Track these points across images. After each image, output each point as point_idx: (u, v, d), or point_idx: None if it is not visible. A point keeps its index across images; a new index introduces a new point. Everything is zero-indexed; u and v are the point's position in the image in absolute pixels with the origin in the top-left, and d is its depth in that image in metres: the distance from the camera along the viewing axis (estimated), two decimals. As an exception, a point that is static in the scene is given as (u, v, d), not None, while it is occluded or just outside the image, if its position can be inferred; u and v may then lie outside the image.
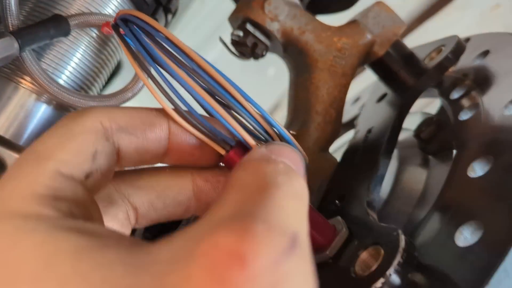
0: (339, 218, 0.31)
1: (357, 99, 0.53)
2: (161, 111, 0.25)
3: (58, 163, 0.19)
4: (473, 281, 0.23)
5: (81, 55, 0.38)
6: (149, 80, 0.25)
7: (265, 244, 0.14)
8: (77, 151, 0.20)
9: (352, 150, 0.39)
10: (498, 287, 0.22)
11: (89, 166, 0.20)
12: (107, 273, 0.14)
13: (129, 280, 0.14)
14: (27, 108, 0.36)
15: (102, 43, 0.39)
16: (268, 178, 0.17)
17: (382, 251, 0.26)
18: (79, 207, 0.18)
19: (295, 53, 0.40)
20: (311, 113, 0.39)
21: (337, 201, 0.35)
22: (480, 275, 0.22)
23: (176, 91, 0.25)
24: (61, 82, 0.37)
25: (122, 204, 0.24)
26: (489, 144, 0.29)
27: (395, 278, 0.25)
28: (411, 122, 0.43)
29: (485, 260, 0.23)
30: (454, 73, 0.39)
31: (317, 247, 0.29)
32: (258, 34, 0.39)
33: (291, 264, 0.14)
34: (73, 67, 0.37)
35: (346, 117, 0.50)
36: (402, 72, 0.40)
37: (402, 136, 0.42)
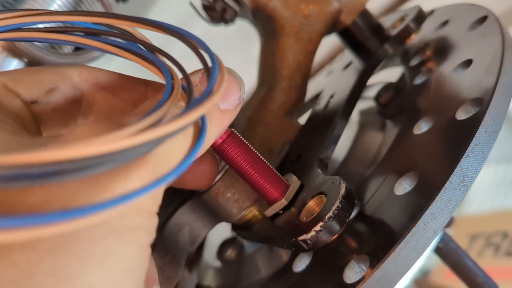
0: (291, 174, 0.32)
1: (330, 72, 0.54)
2: (141, 80, 0.27)
3: (7, 78, 0.22)
4: (403, 224, 0.24)
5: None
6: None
7: None
8: (34, 79, 0.23)
9: (314, 114, 0.40)
10: (426, 229, 0.24)
11: (39, 95, 0.23)
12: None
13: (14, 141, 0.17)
14: (-2, 63, 0.37)
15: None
16: None
17: (325, 199, 0.28)
18: (13, 117, 0.21)
19: (263, 19, 0.41)
20: (277, 77, 0.40)
21: (294, 160, 0.36)
22: (409, 218, 0.24)
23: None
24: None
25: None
26: (435, 103, 0.30)
27: (333, 223, 0.26)
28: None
29: (415, 205, 0.24)
30: (418, 43, 0.40)
31: (271, 199, 0.31)
32: (227, 0, 0.40)
33: None
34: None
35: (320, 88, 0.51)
36: (367, 41, 0.41)
37: (366, 104, 0.43)
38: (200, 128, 0.20)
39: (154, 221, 0.19)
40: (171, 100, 0.18)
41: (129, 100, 0.26)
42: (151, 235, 0.19)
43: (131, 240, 0.17)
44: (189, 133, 0.20)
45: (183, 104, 0.20)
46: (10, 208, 0.15)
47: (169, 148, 0.18)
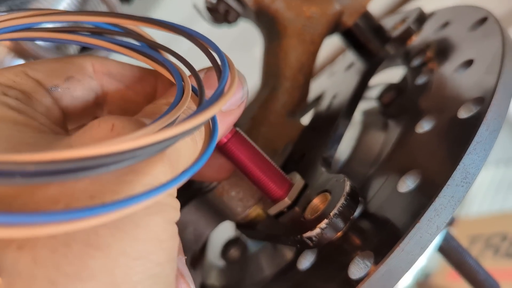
0: (295, 172, 0.33)
1: (332, 73, 0.55)
2: (152, 71, 0.27)
3: (27, 67, 0.23)
4: (407, 220, 0.25)
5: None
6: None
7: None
8: (51, 68, 0.24)
9: (317, 115, 0.41)
10: (429, 225, 0.24)
11: (58, 83, 0.24)
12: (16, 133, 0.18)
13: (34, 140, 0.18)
14: (4, 65, 0.38)
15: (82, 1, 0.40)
16: None
17: (329, 196, 0.28)
18: (44, 113, 0.22)
19: (266, 20, 0.42)
20: (280, 78, 0.41)
21: (298, 160, 0.36)
22: (413, 215, 0.24)
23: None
24: (37, 40, 0.38)
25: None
26: (437, 102, 0.31)
27: (338, 220, 0.27)
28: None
29: (419, 202, 0.25)
30: (419, 44, 0.40)
31: (276, 197, 0.31)
32: (230, 1, 0.41)
33: None
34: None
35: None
36: (369, 42, 0.42)
37: (368, 105, 0.44)
38: (211, 128, 0.21)
39: (176, 201, 0.20)
40: (182, 103, 0.19)
41: (140, 92, 0.27)
42: (176, 212, 0.20)
43: (158, 212, 0.18)
44: (202, 132, 0.21)
45: (194, 106, 0.21)
46: (36, 201, 0.15)
47: (185, 145, 0.19)
